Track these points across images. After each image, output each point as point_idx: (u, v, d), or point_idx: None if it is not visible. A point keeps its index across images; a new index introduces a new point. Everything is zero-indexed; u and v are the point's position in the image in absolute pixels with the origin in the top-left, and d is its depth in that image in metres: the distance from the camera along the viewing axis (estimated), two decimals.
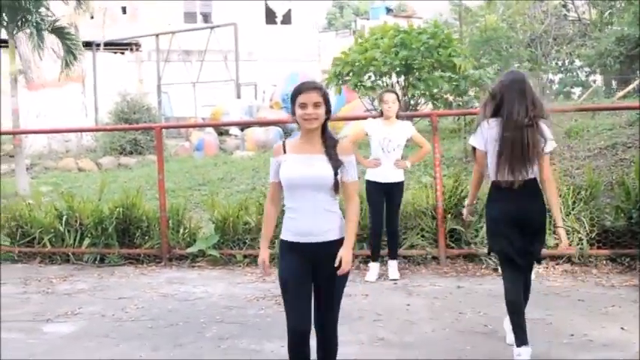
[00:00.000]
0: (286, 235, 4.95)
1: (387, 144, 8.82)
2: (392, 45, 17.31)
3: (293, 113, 4.90)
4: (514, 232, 5.89)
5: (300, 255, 4.86)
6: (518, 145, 5.79)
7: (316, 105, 4.80)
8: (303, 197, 4.84)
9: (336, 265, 4.73)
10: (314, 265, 4.86)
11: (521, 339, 5.87)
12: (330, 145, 4.87)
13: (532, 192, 5.93)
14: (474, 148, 6.10)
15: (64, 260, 10.73)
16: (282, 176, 4.88)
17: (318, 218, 4.83)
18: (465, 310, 7.56)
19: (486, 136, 5.93)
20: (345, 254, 4.76)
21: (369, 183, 8.96)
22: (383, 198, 8.97)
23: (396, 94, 9.10)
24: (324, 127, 4.91)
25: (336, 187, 4.83)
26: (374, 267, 9.15)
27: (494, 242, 6.06)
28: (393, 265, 9.11)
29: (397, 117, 8.91)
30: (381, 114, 8.98)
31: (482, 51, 21.18)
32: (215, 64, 31.74)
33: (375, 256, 9.18)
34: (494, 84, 6.12)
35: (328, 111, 4.89)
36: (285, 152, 4.94)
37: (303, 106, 4.79)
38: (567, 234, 9.19)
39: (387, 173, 8.85)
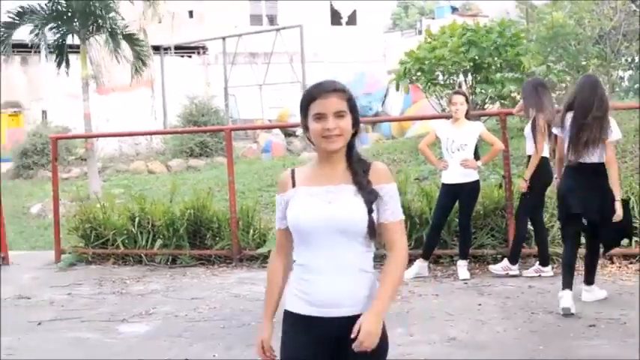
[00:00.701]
0: (295, 305, 3.42)
1: (451, 144, 8.82)
2: (460, 44, 17.23)
3: (305, 128, 3.38)
4: (583, 196, 7.14)
5: (315, 335, 3.36)
6: (585, 133, 7.01)
7: (339, 115, 3.27)
8: (321, 249, 3.28)
9: (352, 335, 3.14)
10: (335, 350, 3.32)
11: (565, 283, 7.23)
12: (359, 170, 3.33)
13: (596, 173, 7.13)
14: (556, 135, 7.45)
15: (137, 261, 10.91)
16: (290, 219, 3.33)
17: (342, 281, 3.27)
18: (536, 310, 7.51)
19: (565, 125, 7.21)
20: (368, 322, 3.15)
21: (442, 185, 9.02)
22: (451, 200, 8.96)
23: (465, 95, 9.09)
24: (349, 147, 3.37)
25: (372, 231, 3.28)
26: (420, 266, 9.13)
27: (562, 209, 7.42)
28: (462, 264, 9.07)
29: (467, 117, 8.89)
30: (451, 115, 9.00)
31: (549, 49, 20.92)
32: (281, 66, 31.89)
33: (426, 254, 9.14)
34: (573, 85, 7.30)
35: (356, 122, 3.35)
36: (294, 185, 3.41)
37: (320, 117, 3.27)
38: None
39: (453, 174, 8.84)
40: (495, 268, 8.98)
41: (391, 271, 3.27)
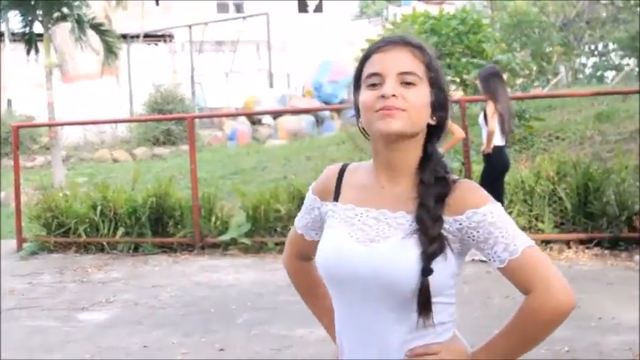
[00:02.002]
0: None
1: None
2: (422, 31, 17.29)
3: (357, 110, 2.15)
4: None
5: None
6: None
7: (406, 81, 2.05)
8: (351, 310, 2.11)
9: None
10: None
11: None
12: (431, 186, 2.05)
13: None
14: None
15: (99, 250, 10.90)
16: (318, 258, 2.17)
17: None
18: (493, 295, 7.60)
19: None
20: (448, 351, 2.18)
21: None
22: None
23: None
24: (427, 151, 2.11)
25: (423, 301, 2.02)
26: None
27: None
28: None
29: None
30: None
31: (513, 36, 21.10)
32: (248, 54, 31.85)
33: None
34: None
35: (441, 106, 2.10)
36: (336, 197, 2.21)
37: (376, 83, 2.06)
38: (598, 218, 9.25)
39: None
40: None
41: (519, 319, 2.13)
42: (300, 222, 2.34)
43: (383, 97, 2.02)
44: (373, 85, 2.06)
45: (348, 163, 2.28)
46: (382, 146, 2.09)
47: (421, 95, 2.05)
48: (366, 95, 2.06)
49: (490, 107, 8.54)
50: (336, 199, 2.19)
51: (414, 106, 2.02)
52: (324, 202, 2.23)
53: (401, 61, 2.06)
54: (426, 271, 1.97)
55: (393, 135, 2.03)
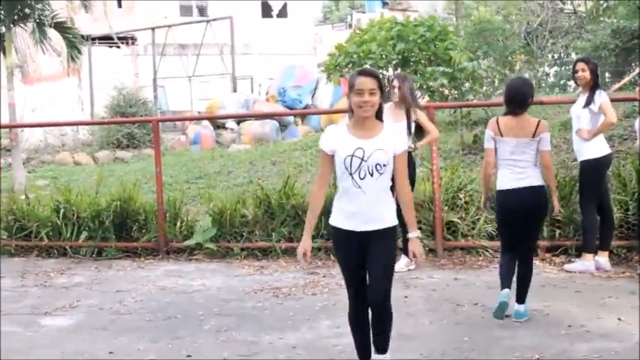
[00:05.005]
0: None
1: None
2: (389, 38, 17.30)
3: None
4: None
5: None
6: None
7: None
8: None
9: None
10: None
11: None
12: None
13: None
14: None
15: (62, 254, 10.73)
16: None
17: None
18: (462, 302, 7.58)
19: None
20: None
21: None
22: None
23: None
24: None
25: None
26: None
27: None
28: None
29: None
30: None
31: (476, 44, 21.19)
32: (211, 58, 31.69)
33: None
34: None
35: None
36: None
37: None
38: (565, 225, 9.27)
39: None
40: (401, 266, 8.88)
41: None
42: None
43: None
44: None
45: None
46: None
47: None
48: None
49: (416, 113, 8.80)
50: None
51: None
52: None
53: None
54: None
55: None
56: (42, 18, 18.31)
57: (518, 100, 6.85)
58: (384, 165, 5.09)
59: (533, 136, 6.80)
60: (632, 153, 10.07)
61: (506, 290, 6.86)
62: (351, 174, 5.09)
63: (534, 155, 6.87)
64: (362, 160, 5.06)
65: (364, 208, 5.11)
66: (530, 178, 6.84)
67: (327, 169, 5.28)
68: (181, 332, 7.01)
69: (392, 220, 5.20)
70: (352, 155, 5.07)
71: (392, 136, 5.16)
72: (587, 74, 8.48)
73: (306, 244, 5.27)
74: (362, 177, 5.08)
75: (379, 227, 5.13)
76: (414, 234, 5.28)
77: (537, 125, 6.85)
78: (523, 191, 6.81)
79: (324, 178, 5.32)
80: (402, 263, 8.86)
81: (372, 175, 5.07)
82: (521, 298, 6.94)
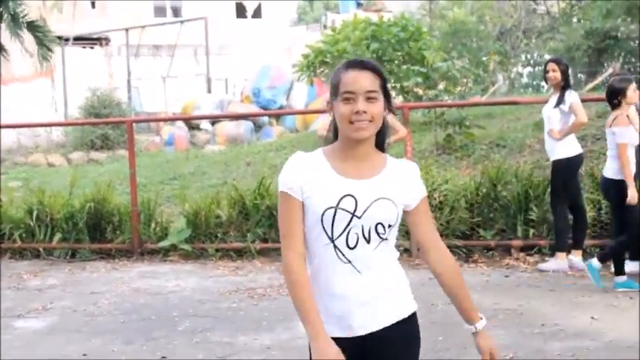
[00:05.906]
0: None
1: None
2: (363, 37, 17.32)
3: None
4: None
5: None
6: None
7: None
8: None
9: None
10: None
11: None
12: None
13: None
14: None
15: (35, 256, 10.67)
16: None
17: None
18: (436, 302, 7.59)
19: None
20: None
21: None
22: None
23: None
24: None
25: None
26: None
27: None
28: None
29: None
30: None
31: (450, 44, 21.27)
32: (185, 59, 31.61)
33: None
34: None
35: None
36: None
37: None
38: (538, 225, 9.32)
39: None
40: None
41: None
42: None
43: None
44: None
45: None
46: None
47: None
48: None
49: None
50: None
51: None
52: None
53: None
54: None
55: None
56: (17, 13, 18.16)
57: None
58: (390, 226, 3.13)
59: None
60: (604, 153, 10.14)
61: None
62: (332, 240, 3.02)
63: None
64: (353, 215, 3.00)
65: (361, 299, 3.08)
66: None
67: (298, 224, 3.05)
68: (156, 333, 6.99)
69: (409, 304, 3.33)
70: (336, 207, 2.98)
71: (402, 174, 3.11)
72: (557, 74, 8.55)
73: (332, 350, 2.93)
74: (352, 245, 3.03)
75: (391, 321, 3.17)
76: (481, 324, 3.39)
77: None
78: None
79: (296, 240, 3.04)
80: None
81: (368, 242, 3.06)
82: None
